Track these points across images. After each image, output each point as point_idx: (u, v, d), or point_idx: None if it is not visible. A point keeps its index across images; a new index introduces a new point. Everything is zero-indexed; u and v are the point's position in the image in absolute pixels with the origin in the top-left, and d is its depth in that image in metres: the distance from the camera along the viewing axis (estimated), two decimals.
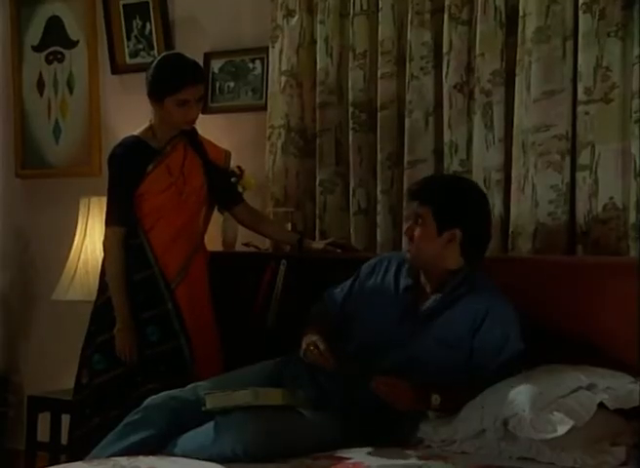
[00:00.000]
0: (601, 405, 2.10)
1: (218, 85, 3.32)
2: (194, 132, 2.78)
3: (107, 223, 2.73)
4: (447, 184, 2.42)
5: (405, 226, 2.42)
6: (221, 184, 2.84)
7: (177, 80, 2.63)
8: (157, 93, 2.66)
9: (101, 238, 2.80)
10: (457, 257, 2.32)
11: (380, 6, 2.89)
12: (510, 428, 2.03)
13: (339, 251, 2.83)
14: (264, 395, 2.15)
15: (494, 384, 2.14)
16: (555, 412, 2.01)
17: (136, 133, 2.75)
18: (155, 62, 2.72)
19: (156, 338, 2.67)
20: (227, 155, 2.90)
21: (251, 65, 3.26)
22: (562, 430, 1.97)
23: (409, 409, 2.17)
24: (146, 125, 2.74)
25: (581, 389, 2.12)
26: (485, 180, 2.71)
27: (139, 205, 2.69)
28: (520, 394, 2.06)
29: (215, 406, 2.17)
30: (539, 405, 2.02)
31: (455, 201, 2.32)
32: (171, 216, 2.70)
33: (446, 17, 2.77)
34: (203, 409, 2.17)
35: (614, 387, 2.16)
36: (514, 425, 2.01)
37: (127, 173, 2.68)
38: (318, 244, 2.87)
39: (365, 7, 2.93)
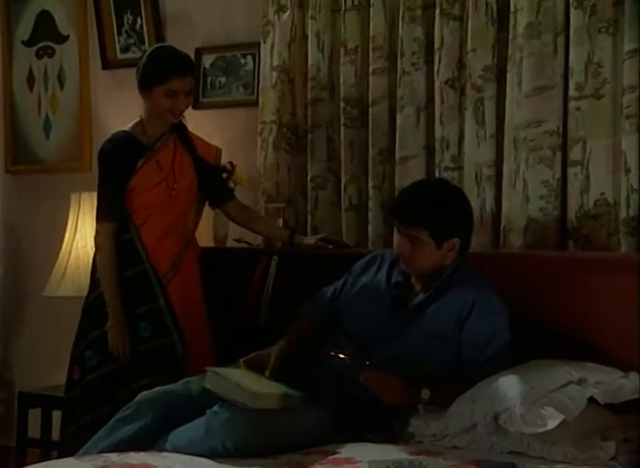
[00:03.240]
0: (591, 399, 2.12)
1: (209, 80, 3.31)
2: (184, 128, 2.78)
3: (98, 219, 2.73)
4: (433, 200, 2.30)
5: (396, 241, 2.35)
6: (212, 181, 2.83)
7: (165, 70, 2.63)
8: (146, 82, 2.66)
9: (93, 234, 2.80)
10: (454, 258, 2.34)
11: (371, 1, 2.89)
12: (501, 422, 2.03)
13: (330, 246, 2.83)
14: (262, 399, 2.14)
15: (484, 378, 2.15)
16: (546, 407, 2.01)
17: (125, 128, 2.75)
18: (147, 53, 2.73)
19: (149, 334, 2.67)
20: (218, 152, 2.90)
21: (242, 61, 3.25)
22: (552, 424, 1.97)
23: (398, 403, 2.17)
24: (136, 120, 2.74)
25: (572, 384, 2.13)
26: (476, 176, 2.71)
27: (129, 200, 2.69)
28: (511, 388, 2.06)
29: (213, 388, 2.17)
30: (529, 399, 2.03)
31: (448, 215, 2.29)
32: (161, 212, 2.70)
33: (437, 12, 2.77)
34: (202, 384, 2.18)
35: (604, 382, 2.17)
36: (505, 419, 2.02)
37: (117, 168, 2.68)
38: (310, 239, 2.86)
39: (356, 2, 2.92)
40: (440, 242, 2.28)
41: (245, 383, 2.16)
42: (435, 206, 2.29)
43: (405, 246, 2.29)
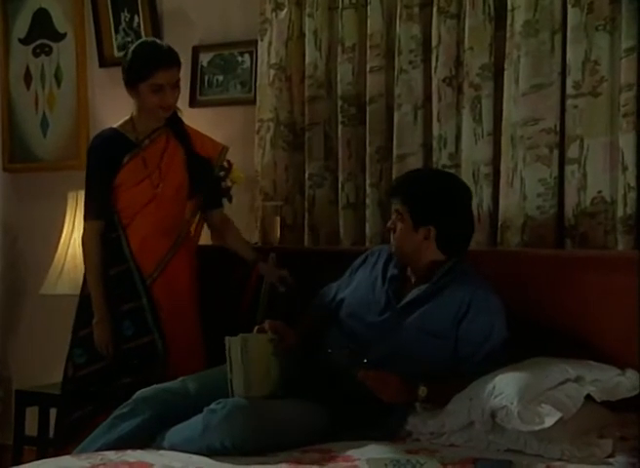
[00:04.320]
0: (588, 397, 2.12)
1: (206, 78, 3.31)
2: (180, 122, 2.76)
3: (85, 217, 2.74)
4: (425, 182, 2.41)
5: (390, 221, 2.44)
6: (205, 183, 2.78)
7: (148, 65, 2.61)
8: (131, 79, 2.65)
9: None
10: (434, 251, 2.35)
11: None
12: (498, 420, 2.03)
13: (283, 288, 2.71)
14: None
15: (481, 376, 2.15)
16: (543, 404, 2.02)
17: (115, 125, 2.74)
18: (130, 50, 2.71)
19: (131, 333, 2.67)
20: (223, 150, 2.84)
21: (239, 59, 3.25)
22: (549, 422, 1.97)
23: (396, 401, 2.18)
24: (127, 117, 2.73)
25: (569, 381, 2.14)
26: (474, 174, 2.71)
27: (115, 198, 2.69)
28: (508, 386, 2.06)
29: (231, 351, 2.22)
30: (526, 397, 2.03)
31: (429, 200, 2.35)
32: (147, 212, 2.69)
33: (435, 10, 2.77)
34: (228, 338, 2.24)
35: (601, 379, 2.18)
36: (502, 417, 2.02)
37: (102, 164, 2.67)
38: (271, 275, 2.73)
39: (354, 0, 2.92)
40: (417, 224, 2.33)
41: (249, 375, 2.20)
42: (421, 186, 2.38)
43: (392, 220, 2.40)
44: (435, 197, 2.36)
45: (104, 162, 2.67)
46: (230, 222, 2.91)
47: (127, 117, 2.73)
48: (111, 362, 2.66)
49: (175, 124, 2.75)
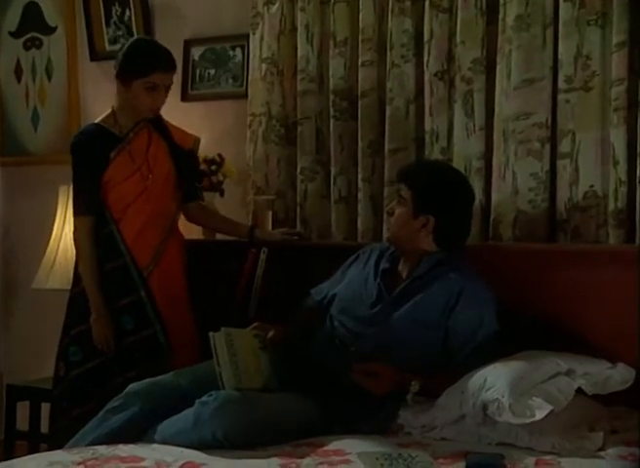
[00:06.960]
0: (579, 390, 2.13)
1: (198, 72, 3.30)
2: (158, 117, 2.75)
3: (75, 214, 2.72)
4: (436, 173, 2.45)
5: (389, 205, 2.47)
6: (184, 175, 2.78)
7: (149, 63, 2.62)
8: (127, 74, 2.64)
9: None
10: (429, 243, 2.36)
11: None
12: (490, 413, 2.04)
13: (295, 237, 2.85)
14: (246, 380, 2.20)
15: (471, 368, 2.16)
16: (534, 397, 2.02)
17: (97, 120, 2.74)
18: (129, 44, 2.71)
19: (131, 327, 2.66)
20: (196, 141, 2.85)
21: (231, 53, 3.24)
22: (540, 414, 1.98)
23: (386, 394, 2.18)
24: (108, 112, 2.72)
25: (560, 375, 2.14)
26: (466, 168, 2.71)
27: (105, 193, 2.68)
28: (499, 379, 2.07)
29: (217, 349, 2.22)
30: (518, 390, 2.04)
31: (434, 189, 2.37)
32: (139, 204, 2.68)
33: (427, 4, 2.77)
34: (212, 333, 2.25)
35: (592, 373, 2.18)
36: (493, 410, 2.02)
37: (89, 160, 2.67)
38: (275, 235, 2.85)
39: None
40: (417, 211, 2.34)
41: (238, 366, 2.21)
42: (429, 175, 2.40)
43: (392, 205, 2.43)
44: (442, 188, 2.38)
45: (91, 157, 2.66)
46: (210, 209, 2.93)
47: (108, 111, 2.72)
48: (112, 357, 2.64)
49: (153, 118, 2.73)
